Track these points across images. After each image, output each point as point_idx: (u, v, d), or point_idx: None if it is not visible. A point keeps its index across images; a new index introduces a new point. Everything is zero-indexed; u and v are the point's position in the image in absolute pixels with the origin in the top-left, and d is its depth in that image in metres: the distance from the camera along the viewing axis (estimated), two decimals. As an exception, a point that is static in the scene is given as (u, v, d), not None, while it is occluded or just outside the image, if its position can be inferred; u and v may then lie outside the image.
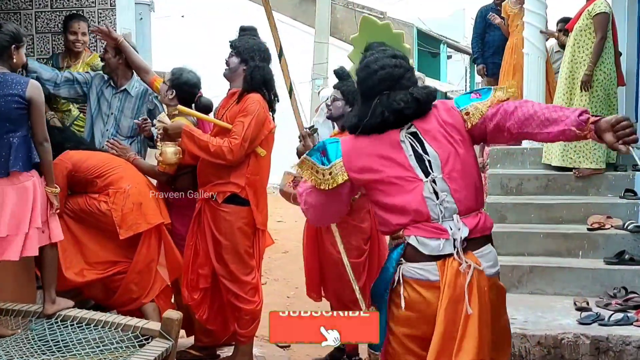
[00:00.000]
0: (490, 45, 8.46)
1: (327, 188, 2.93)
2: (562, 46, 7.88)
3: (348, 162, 2.91)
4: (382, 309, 2.88)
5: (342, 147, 2.95)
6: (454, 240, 2.76)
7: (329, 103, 4.91)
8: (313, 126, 5.04)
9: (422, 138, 2.87)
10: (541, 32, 7.11)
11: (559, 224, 6.21)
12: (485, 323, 2.75)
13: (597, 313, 4.97)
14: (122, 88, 5.43)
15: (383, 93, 2.89)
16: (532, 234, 6.04)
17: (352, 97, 4.66)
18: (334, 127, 5.23)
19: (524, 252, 5.97)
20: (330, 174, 2.92)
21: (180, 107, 4.75)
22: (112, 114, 5.44)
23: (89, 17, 6.02)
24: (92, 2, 6.04)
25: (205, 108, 5.04)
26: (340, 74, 4.88)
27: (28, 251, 3.98)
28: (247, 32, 4.81)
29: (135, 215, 4.74)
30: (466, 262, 2.74)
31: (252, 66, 4.62)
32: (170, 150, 4.72)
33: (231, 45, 4.72)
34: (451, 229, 2.77)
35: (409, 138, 2.87)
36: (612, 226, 5.95)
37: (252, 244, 4.80)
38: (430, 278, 2.76)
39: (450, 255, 2.75)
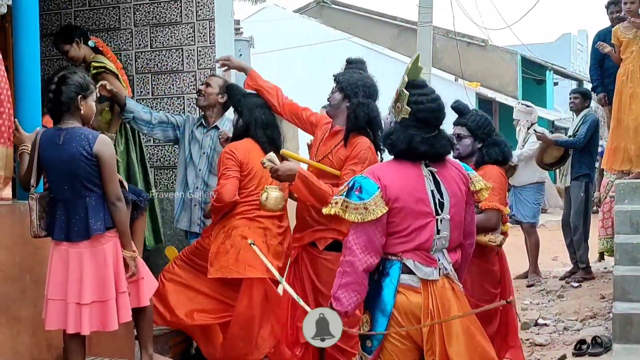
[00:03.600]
0: (610, 72, 7.83)
1: (372, 219, 3.06)
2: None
3: (385, 194, 3.09)
4: (384, 316, 3.13)
5: (378, 180, 3.11)
6: (440, 269, 3.18)
7: (455, 142, 4.53)
8: None
9: (438, 179, 3.20)
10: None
11: (701, 266, 5.57)
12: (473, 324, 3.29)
13: None
14: (213, 125, 5.28)
15: (436, 129, 3.20)
16: (671, 279, 5.44)
17: (481, 132, 4.41)
18: None
19: (662, 298, 5.37)
20: (365, 208, 3.06)
21: (284, 150, 4.44)
22: (204, 153, 5.31)
23: (188, 55, 5.94)
24: (191, 40, 5.93)
25: None
26: (461, 109, 4.51)
27: (123, 318, 3.82)
28: (353, 65, 4.47)
29: (228, 258, 4.59)
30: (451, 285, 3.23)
31: (355, 103, 4.23)
32: (275, 195, 4.35)
33: (335, 80, 4.38)
34: (439, 260, 3.18)
35: (429, 175, 3.18)
36: None
37: None
38: (413, 285, 3.14)
39: (434, 280, 3.16)
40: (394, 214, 3.11)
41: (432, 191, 3.17)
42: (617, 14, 7.79)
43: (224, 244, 4.62)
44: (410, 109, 3.15)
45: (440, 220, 3.17)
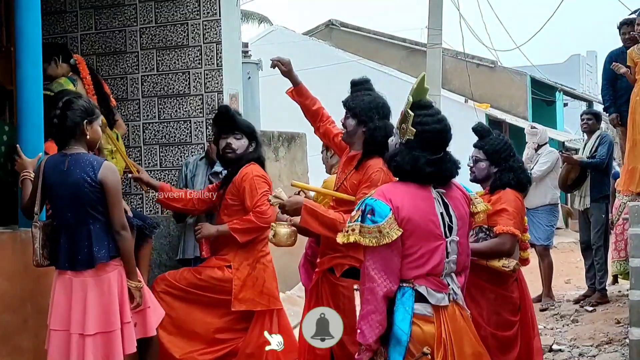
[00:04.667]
0: (622, 93, 7.72)
1: (387, 242, 2.98)
2: None
3: (397, 216, 3.00)
4: (401, 347, 3.01)
5: (389, 202, 3.02)
6: (449, 294, 3.10)
7: (471, 164, 4.50)
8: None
9: (446, 201, 3.13)
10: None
11: None
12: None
13: None
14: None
15: (442, 152, 3.12)
16: (689, 304, 5.29)
17: (497, 156, 4.38)
18: None
19: (680, 325, 5.22)
20: (379, 231, 2.97)
21: (294, 182, 4.33)
22: (208, 179, 5.24)
23: (195, 78, 5.88)
24: (198, 63, 5.88)
25: None
26: (480, 131, 4.47)
27: (128, 349, 3.74)
28: (359, 86, 4.33)
29: (255, 290, 4.56)
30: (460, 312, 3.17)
31: (371, 127, 4.13)
32: (283, 232, 4.21)
33: (346, 106, 4.25)
34: (449, 285, 3.11)
35: (438, 197, 3.11)
36: None
37: None
38: (426, 314, 3.04)
39: (445, 306, 3.08)
40: (406, 236, 3.01)
41: (441, 213, 3.10)
42: (630, 35, 7.71)
43: (250, 275, 4.58)
44: (415, 130, 3.07)
45: (450, 243, 3.10)
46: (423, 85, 3.17)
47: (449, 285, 3.11)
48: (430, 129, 3.09)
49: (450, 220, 3.12)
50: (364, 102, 4.18)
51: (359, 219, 3.03)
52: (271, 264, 4.74)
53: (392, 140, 3.28)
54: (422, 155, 3.06)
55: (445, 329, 3.05)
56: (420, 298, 3.04)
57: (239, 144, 4.76)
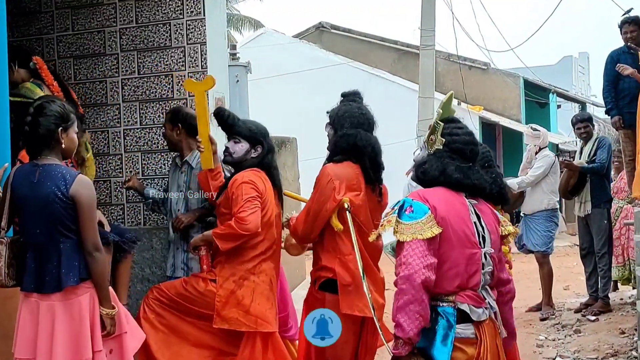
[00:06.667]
0: (625, 93, 7.48)
1: (427, 237, 2.94)
2: None
3: (435, 215, 2.98)
4: None
5: (426, 202, 3.01)
6: (486, 308, 3.07)
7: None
8: None
9: (478, 212, 3.13)
10: None
11: None
12: None
13: None
14: (184, 160, 4.92)
15: (470, 162, 3.17)
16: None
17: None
18: None
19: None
20: (418, 227, 2.95)
21: (285, 191, 4.41)
22: (180, 191, 4.96)
23: (179, 81, 5.59)
24: (182, 66, 5.58)
25: None
26: None
27: None
28: (347, 97, 4.35)
29: (239, 310, 4.31)
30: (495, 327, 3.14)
31: (339, 135, 4.19)
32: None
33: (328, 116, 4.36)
34: (485, 299, 3.08)
35: (471, 207, 3.11)
36: None
37: (356, 340, 4.13)
38: (470, 336, 3.00)
39: (484, 320, 3.05)
40: (442, 239, 2.99)
41: (475, 222, 3.10)
42: (631, 34, 7.48)
43: (235, 293, 4.34)
44: (444, 140, 3.16)
45: (484, 255, 3.09)
46: (450, 104, 3.26)
47: (485, 299, 3.09)
48: (459, 139, 3.17)
49: (484, 232, 3.12)
50: (339, 110, 4.26)
51: (396, 212, 3.02)
52: (265, 284, 4.42)
53: (418, 154, 3.28)
54: (451, 162, 3.12)
55: (484, 346, 3.03)
56: (462, 318, 3.00)
57: (237, 147, 4.56)
